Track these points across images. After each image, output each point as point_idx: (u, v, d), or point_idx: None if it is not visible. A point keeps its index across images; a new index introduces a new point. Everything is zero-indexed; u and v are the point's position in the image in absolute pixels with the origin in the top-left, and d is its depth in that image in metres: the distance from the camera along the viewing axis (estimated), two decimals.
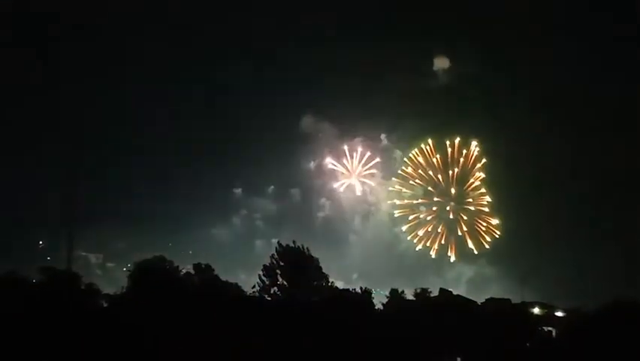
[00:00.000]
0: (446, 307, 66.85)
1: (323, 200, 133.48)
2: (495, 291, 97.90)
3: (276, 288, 63.43)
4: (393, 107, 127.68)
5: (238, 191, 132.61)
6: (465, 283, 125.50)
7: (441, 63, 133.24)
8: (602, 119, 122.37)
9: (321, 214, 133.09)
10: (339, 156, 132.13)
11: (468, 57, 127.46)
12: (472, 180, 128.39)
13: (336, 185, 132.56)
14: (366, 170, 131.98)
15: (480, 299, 79.75)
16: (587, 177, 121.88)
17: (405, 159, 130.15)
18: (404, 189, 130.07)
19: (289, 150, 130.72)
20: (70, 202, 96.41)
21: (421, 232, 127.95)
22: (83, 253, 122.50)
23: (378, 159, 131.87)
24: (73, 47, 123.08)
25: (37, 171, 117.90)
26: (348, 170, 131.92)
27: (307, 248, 65.53)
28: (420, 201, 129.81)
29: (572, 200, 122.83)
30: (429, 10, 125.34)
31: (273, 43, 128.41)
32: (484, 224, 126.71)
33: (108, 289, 65.73)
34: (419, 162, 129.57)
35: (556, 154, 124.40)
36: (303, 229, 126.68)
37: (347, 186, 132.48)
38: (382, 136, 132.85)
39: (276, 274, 63.68)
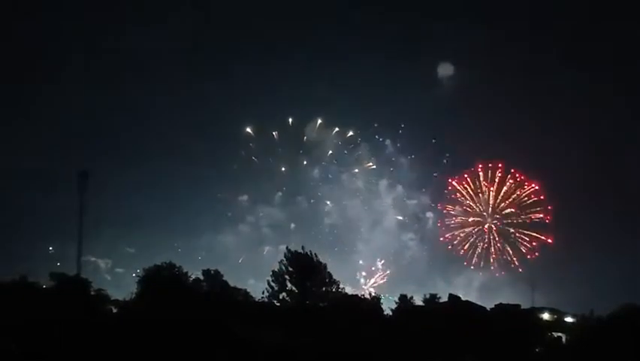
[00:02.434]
0: (455, 312, 66.53)
1: (330, 207, 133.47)
2: (505, 297, 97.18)
3: (285, 294, 63.43)
4: (396, 113, 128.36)
5: (244, 198, 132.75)
6: (475, 288, 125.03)
7: (445, 70, 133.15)
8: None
9: (328, 221, 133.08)
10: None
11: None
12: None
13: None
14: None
15: (490, 305, 79.17)
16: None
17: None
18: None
19: (295, 156, 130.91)
20: (79, 208, 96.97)
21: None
22: (93, 259, 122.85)
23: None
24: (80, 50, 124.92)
25: (46, 176, 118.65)
26: None
27: (315, 254, 65.55)
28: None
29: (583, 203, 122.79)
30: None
31: (277, 48, 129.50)
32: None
33: (117, 294, 66.09)
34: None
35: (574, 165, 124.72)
36: (311, 235, 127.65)
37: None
38: (387, 142, 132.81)
39: (285, 280, 63.69)
